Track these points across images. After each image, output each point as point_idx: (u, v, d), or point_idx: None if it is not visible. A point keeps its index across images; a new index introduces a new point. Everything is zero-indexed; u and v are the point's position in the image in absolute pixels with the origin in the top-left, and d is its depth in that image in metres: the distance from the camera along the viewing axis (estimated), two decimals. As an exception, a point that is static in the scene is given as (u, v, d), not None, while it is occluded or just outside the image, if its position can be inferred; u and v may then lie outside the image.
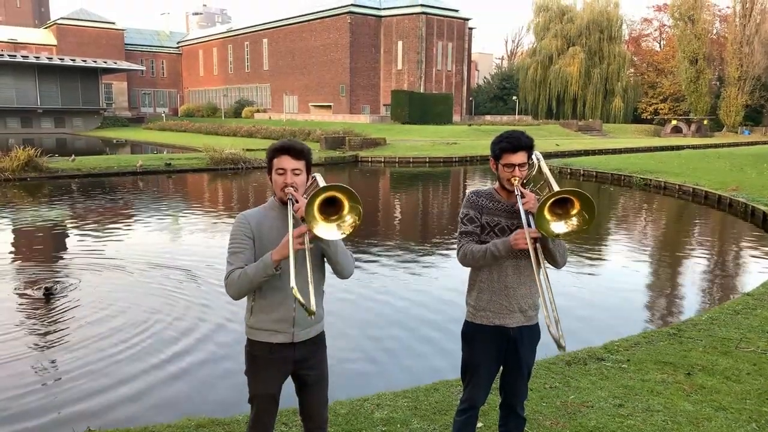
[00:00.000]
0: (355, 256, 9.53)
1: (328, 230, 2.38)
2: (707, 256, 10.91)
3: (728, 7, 65.00)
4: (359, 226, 2.42)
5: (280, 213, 2.62)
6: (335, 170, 26.21)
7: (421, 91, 57.86)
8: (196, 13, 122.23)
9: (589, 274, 9.12)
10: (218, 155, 24.53)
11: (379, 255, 10.01)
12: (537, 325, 2.97)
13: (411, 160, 29.52)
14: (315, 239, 2.43)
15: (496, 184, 2.94)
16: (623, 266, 9.68)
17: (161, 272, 8.75)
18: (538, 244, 2.67)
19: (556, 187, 2.62)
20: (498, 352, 2.91)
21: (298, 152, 2.58)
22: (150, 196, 18.87)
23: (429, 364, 5.54)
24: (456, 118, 59.32)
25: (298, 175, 2.58)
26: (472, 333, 2.95)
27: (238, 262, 2.56)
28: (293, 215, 2.47)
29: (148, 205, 16.48)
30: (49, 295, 7.16)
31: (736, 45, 59.42)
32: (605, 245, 11.64)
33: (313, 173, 2.72)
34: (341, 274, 2.69)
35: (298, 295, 2.28)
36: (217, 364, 5.51)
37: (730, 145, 43.84)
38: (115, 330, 6.32)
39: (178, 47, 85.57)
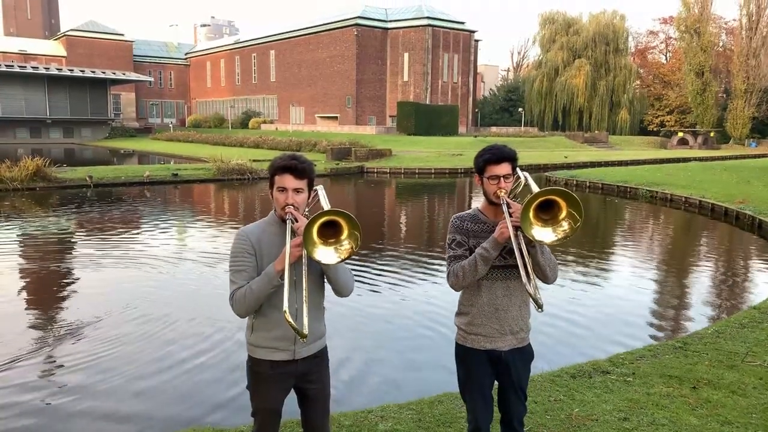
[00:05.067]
0: (360, 266, 9.49)
1: (325, 253, 2.39)
2: (713, 269, 10.86)
3: (734, 20, 65.17)
4: (356, 252, 2.42)
5: (279, 229, 2.62)
6: (341, 181, 26.29)
7: (427, 102, 58.09)
8: (204, 25, 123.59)
9: (595, 285, 9.10)
10: (225, 166, 24.66)
11: (384, 266, 10.01)
12: (529, 345, 2.96)
13: (416, 171, 29.59)
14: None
15: (481, 203, 2.91)
16: (629, 278, 9.64)
17: (176, 281, 8.82)
18: (521, 235, 2.59)
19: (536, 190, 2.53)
20: (492, 369, 2.90)
21: (301, 172, 2.57)
22: (159, 205, 18.97)
23: (433, 375, 5.53)
24: (462, 129, 59.49)
25: (299, 193, 2.58)
26: (464, 355, 2.94)
27: (242, 280, 2.57)
28: (292, 232, 2.49)
29: (161, 213, 16.58)
30: None
31: (742, 57, 59.43)
32: (611, 257, 11.61)
33: (316, 186, 2.73)
34: (340, 292, 2.70)
35: (290, 319, 2.32)
36: (225, 373, 5.51)
37: (736, 157, 43.69)
38: (123, 335, 6.36)
39: (186, 58, 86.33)
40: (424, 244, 13.07)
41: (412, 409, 4.30)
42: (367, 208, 19.91)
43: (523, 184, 2.85)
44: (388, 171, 29.58)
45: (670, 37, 74.50)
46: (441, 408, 4.30)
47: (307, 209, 2.69)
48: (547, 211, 2.50)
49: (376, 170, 29.81)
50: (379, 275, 9.35)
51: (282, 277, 2.47)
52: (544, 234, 2.50)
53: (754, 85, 59.40)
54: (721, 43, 67.74)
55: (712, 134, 58.43)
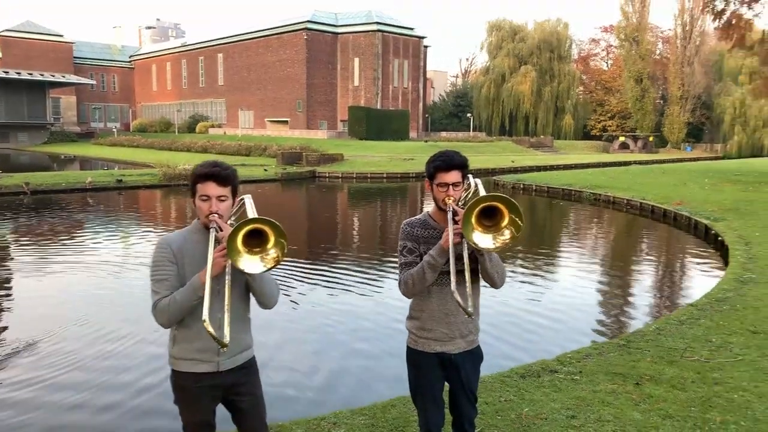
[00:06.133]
0: (313, 270, 9.34)
1: (250, 263, 2.34)
2: (654, 268, 11.31)
3: (670, 30, 68.22)
4: (282, 260, 2.38)
5: (203, 236, 2.54)
6: (292, 186, 26.05)
7: (378, 107, 58.29)
8: (149, 27, 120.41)
9: (542, 287, 9.31)
10: (172, 171, 24.09)
11: (335, 271, 9.98)
12: (478, 347, 3.00)
13: (369, 175, 29.66)
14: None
15: (432, 208, 2.92)
16: (574, 279, 9.91)
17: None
18: (466, 244, 2.61)
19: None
20: (443, 371, 2.93)
21: (224, 179, 2.49)
22: (104, 212, 18.32)
23: (386, 379, 5.54)
24: (413, 134, 59.94)
25: (223, 201, 2.50)
26: (415, 358, 2.97)
27: (164, 289, 2.49)
28: (216, 241, 2.42)
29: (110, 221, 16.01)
30: None
31: (677, 65, 62.30)
32: (557, 259, 11.92)
33: (242, 196, 2.66)
34: (265, 304, 2.64)
35: (210, 328, 2.25)
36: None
37: (674, 160, 45.71)
38: (85, 345, 6.10)
39: (130, 61, 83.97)
40: (377, 246, 13.09)
41: (365, 414, 4.28)
42: (320, 212, 19.81)
43: (473, 190, 2.86)
44: (340, 175, 29.54)
45: (611, 45, 77.36)
46: (394, 412, 4.31)
47: (232, 218, 2.62)
48: (490, 218, 2.52)
49: (328, 175, 29.73)
50: (334, 279, 9.31)
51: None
52: (484, 240, 2.51)
53: (688, 92, 62.36)
54: (657, 52, 70.71)
55: (651, 139, 60.89)
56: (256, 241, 2.33)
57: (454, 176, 2.74)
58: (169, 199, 21.77)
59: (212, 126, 64.43)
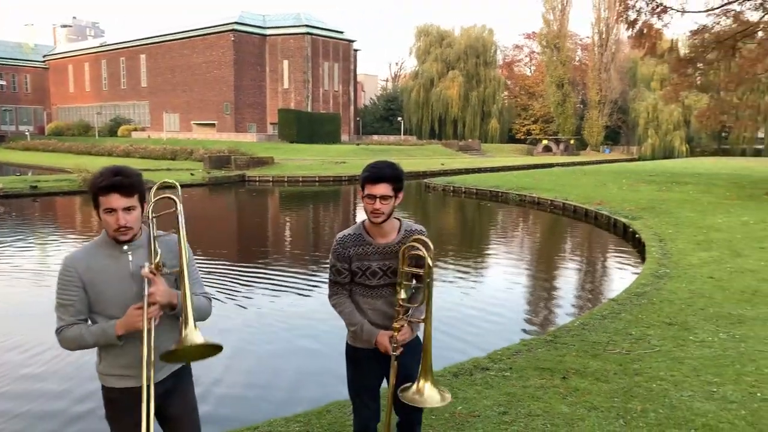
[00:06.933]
0: (244, 275, 9.10)
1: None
2: (578, 265, 11.79)
3: (588, 37, 71.60)
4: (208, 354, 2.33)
5: (112, 251, 2.38)
6: (220, 190, 25.43)
7: (309, 110, 57.94)
8: (65, 26, 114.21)
9: (472, 286, 9.52)
10: (92, 177, 22.95)
11: (263, 278, 9.82)
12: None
13: (300, 179, 29.37)
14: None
15: (366, 219, 2.87)
16: (503, 278, 10.17)
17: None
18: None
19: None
20: (381, 369, 2.93)
21: (128, 188, 2.28)
22: (17, 220, 17.21)
23: (320, 386, 5.48)
24: (344, 137, 59.96)
25: (131, 211, 2.31)
26: (353, 354, 2.98)
27: (68, 316, 2.35)
28: (147, 287, 2.28)
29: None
30: None
31: (595, 71, 65.50)
32: (486, 258, 12.22)
33: (173, 195, 2.45)
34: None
35: None
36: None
37: (594, 162, 47.87)
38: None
39: (44, 61, 79.55)
40: (311, 249, 12.96)
41: (300, 421, 4.22)
42: (252, 217, 19.42)
43: (427, 261, 2.70)
44: (270, 179, 29.08)
45: (534, 52, 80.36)
46: (329, 417, 4.27)
47: (152, 221, 2.44)
48: None
49: (258, 179, 29.21)
50: (262, 287, 9.15)
51: (121, 338, 2.30)
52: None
53: (606, 97, 65.73)
54: (577, 58, 74.11)
55: (572, 142, 63.61)
56: None
57: (382, 189, 2.69)
58: (89, 205, 20.63)
59: (135, 129, 62.08)
